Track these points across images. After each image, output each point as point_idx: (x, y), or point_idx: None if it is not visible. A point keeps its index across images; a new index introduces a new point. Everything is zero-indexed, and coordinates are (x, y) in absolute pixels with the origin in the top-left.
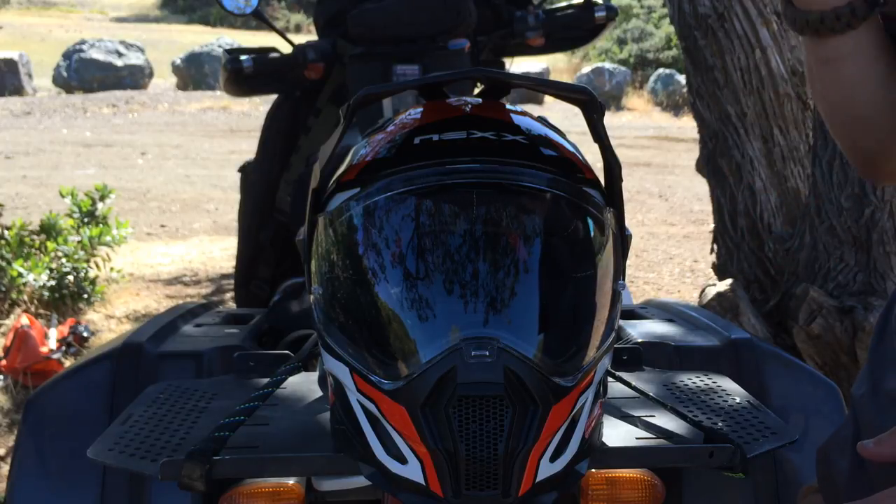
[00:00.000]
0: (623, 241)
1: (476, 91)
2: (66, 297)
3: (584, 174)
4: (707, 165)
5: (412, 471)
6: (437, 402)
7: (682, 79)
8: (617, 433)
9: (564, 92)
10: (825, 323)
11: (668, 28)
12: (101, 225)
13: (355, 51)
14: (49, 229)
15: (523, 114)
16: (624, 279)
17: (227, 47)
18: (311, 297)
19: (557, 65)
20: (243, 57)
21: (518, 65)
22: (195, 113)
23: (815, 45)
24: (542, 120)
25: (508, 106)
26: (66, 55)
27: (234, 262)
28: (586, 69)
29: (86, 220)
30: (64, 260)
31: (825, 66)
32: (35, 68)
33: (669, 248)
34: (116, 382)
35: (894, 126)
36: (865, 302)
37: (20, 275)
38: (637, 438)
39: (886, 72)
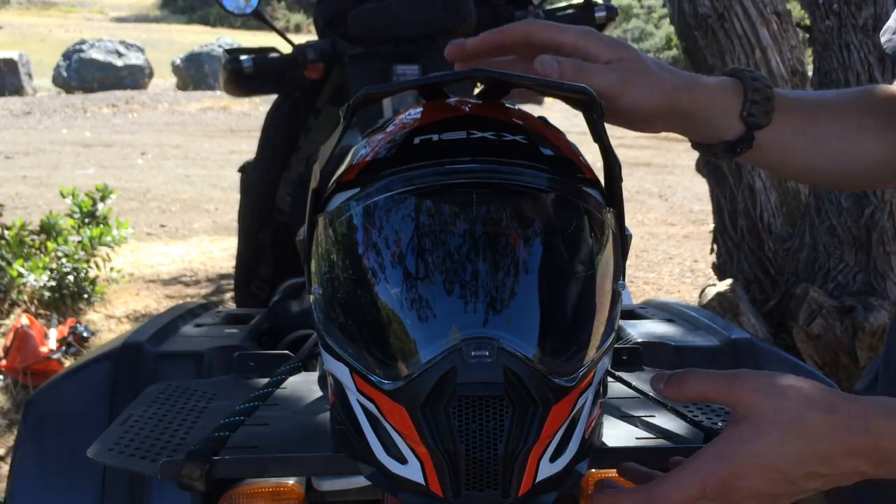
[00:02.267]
0: (623, 242)
1: (476, 91)
2: (66, 298)
3: (583, 174)
4: (707, 165)
5: (412, 471)
6: (436, 403)
7: None
8: (617, 433)
9: (564, 92)
10: (825, 323)
11: (668, 28)
12: (101, 225)
13: (355, 51)
14: (49, 229)
15: (523, 114)
16: (624, 279)
17: (227, 47)
18: (311, 297)
19: None
20: (243, 57)
21: None
22: (195, 113)
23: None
24: (542, 120)
25: (508, 106)
26: (66, 55)
27: (234, 262)
28: None
29: (86, 220)
30: (64, 260)
31: (773, 169)
32: (35, 68)
33: (669, 248)
34: (116, 382)
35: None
36: (865, 302)
37: (20, 275)
38: (637, 438)
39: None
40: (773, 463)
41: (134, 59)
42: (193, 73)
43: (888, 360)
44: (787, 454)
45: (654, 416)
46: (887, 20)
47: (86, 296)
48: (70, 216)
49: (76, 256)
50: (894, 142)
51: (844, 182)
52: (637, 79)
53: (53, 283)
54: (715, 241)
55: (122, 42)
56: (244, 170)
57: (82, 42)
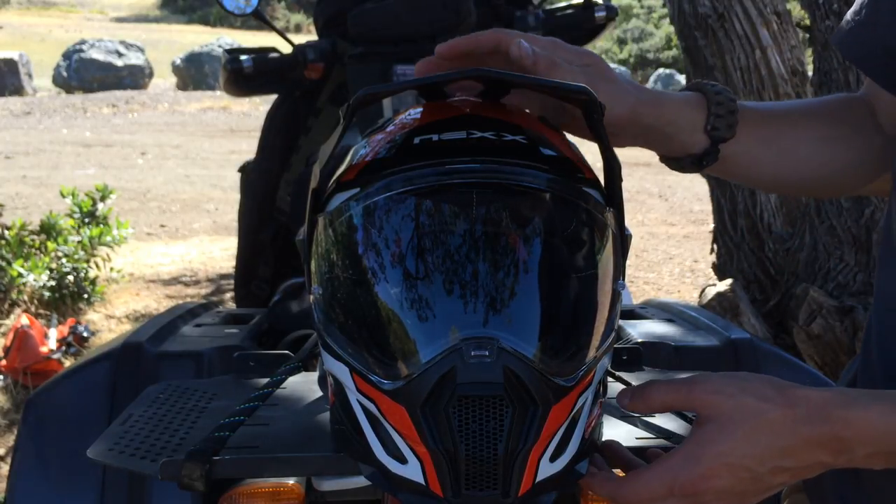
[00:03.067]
0: (623, 242)
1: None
2: (66, 297)
3: (583, 174)
4: None
5: (412, 471)
6: (436, 402)
7: (682, 79)
8: (617, 433)
9: (564, 91)
10: (825, 323)
11: (668, 28)
12: (101, 225)
13: (355, 51)
14: (49, 229)
15: (523, 114)
16: (624, 279)
17: (227, 47)
18: (311, 297)
19: None
20: (243, 57)
21: None
22: (195, 113)
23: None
24: (542, 120)
25: (508, 106)
26: (66, 55)
27: (234, 262)
28: None
29: (86, 220)
30: (64, 260)
31: (740, 180)
32: (35, 68)
33: (669, 248)
34: (116, 382)
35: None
36: (865, 302)
37: (20, 275)
38: (637, 438)
39: (784, 147)
40: (740, 461)
41: (134, 59)
42: (193, 73)
43: (866, 362)
44: (752, 451)
45: (654, 416)
46: None
47: (86, 296)
48: (70, 216)
49: (76, 256)
50: (860, 150)
51: (812, 190)
52: (603, 87)
53: (53, 283)
54: (715, 241)
55: (122, 42)
56: (244, 170)
57: (82, 42)
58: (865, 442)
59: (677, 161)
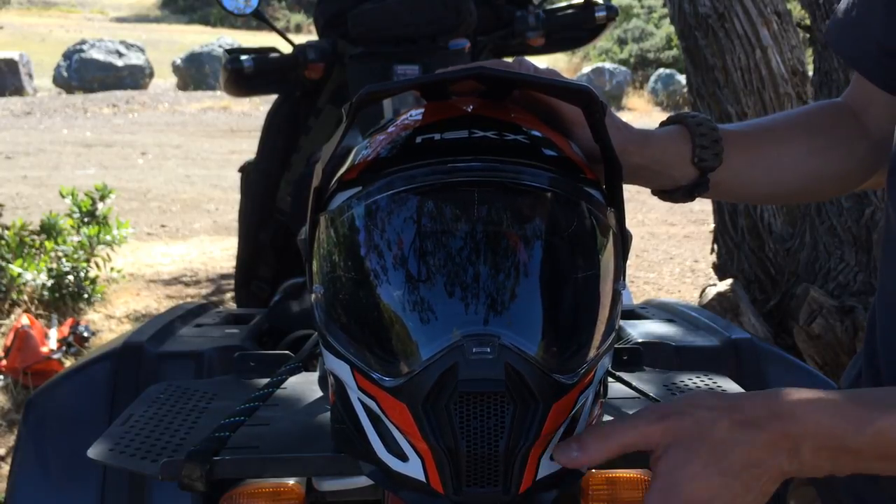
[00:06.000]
0: (624, 241)
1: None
2: (67, 297)
3: (584, 174)
4: None
5: (413, 468)
6: (438, 399)
7: (682, 79)
8: None
9: (565, 90)
10: (825, 323)
11: (668, 28)
12: (101, 225)
13: (355, 51)
14: (49, 229)
15: (525, 113)
16: (624, 279)
17: (228, 47)
18: (313, 295)
19: (557, 65)
20: (243, 57)
21: None
22: (195, 113)
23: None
24: (543, 120)
25: (510, 105)
26: (67, 55)
27: (234, 262)
28: (587, 69)
29: (86, 220)
30: (64, 260)
31: (733, 199)
32: (35, 68)
33: (669, 248)
34: (116, 382)
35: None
36: (866, 302)
37: (20, 275)
38: None
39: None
40: (714, 477)
41: (134, 59)
42: (194, 73)
43: (870, 361)
44: (721, 464)
45: None
46: None
47: (86, 296)
48: (70, 216)
49: (76, 256)
50: (843, 158)
51: (807, 198)
52: None
53: (53, 283)
54: (715, 240)
55: (122, 42)
56: (244, 170)
57: (83, 42)
58: (811, 436)
59: (669, 194)
